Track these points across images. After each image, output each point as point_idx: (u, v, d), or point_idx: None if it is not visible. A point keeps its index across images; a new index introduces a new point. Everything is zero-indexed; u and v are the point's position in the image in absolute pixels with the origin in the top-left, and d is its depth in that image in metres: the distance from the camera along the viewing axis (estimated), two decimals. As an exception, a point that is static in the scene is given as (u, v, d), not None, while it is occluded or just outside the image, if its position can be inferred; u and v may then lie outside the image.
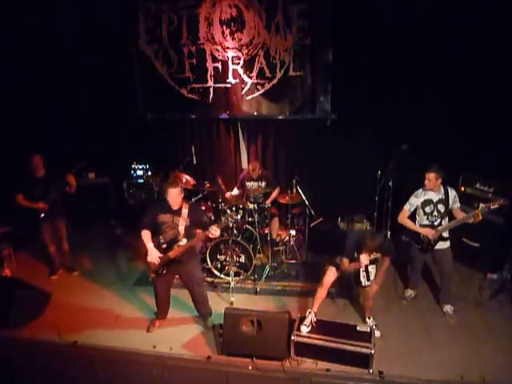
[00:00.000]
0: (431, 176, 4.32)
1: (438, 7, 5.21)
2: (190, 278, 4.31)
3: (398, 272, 5.39)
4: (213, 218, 5.51)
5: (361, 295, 4.66)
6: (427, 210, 4.45)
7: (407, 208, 4.52)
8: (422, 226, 4.49)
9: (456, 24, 5.18)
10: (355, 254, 4.01)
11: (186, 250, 4.09)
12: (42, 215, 5.17)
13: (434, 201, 4.42)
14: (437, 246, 4.47)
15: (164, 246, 4.14)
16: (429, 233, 4.41)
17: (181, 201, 4.09)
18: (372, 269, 4.17)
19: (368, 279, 4.15)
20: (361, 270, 4.12)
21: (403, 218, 4.53)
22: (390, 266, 5.50)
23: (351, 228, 6.09)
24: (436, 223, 4.43)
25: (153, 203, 4.44)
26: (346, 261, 4.08)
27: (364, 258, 3.91)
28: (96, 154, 6.53)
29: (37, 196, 5.12)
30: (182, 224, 4.07)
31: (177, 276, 4.47)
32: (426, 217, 4.47)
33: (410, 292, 4.94)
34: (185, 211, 4.09)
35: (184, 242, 4.05)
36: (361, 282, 4.19)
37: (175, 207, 4.09)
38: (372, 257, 3.98)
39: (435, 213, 4.43)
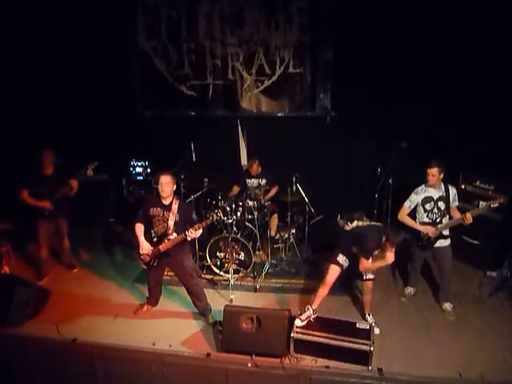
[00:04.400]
0: (434, 171, 4.30)
1: (438, 6, 5.20)
2: (181, 269, 4.40)
3: (397, 270, 5.39)
4: (215, 216, 5.51)
5: (361, 290, 4.67)
6: (427, 207, 4.44)
7: (407, 205, 4.51)
8: (422, 223, 4.47)
9: (456, 22, 5.18)
10: (375, 252, 3.99)
11: (176, 243, 4.19)
12: (47, 214, 5.09)
13: (435, 198, 4.40)
14: (437, 244, 4.46)
15: (155, 239, 4.27)
16: (429, 230, 4.39)
17: (171, 192, 4.22)
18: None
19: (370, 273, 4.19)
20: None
21: (403, 216, 4.52)
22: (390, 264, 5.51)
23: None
24: (436, 220, 4.42)
25: (147, 196, 4.49)
26: (366, 262, 3.98)
27: (391, 256, 3.84)
28: (95, 151, 6.52)
29: (42, 194, 5.02)
30: (171, 219, 4.20)
31: (172, 273, 4.59)
32: (426, 214, 4.46)
33: (409, 289, 4.94)
34: (175, 206, 4.22)
35: (174, 236, 4.17)
36: (362, 276, 4.23)
37: (166, 200, 4.21)
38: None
39: (435, 210, 4.42)
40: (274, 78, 6.29)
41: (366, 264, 4.01)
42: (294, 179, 5.60)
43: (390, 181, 5.70)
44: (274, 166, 6.21)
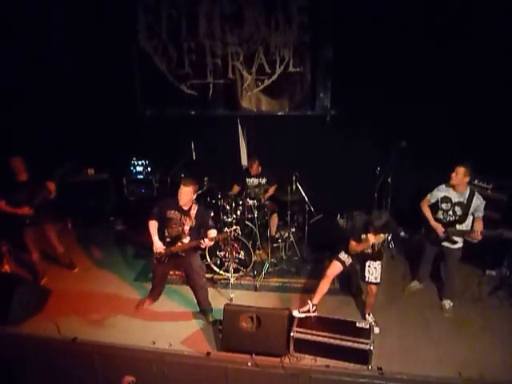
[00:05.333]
0: (460, 170, 4.22)
1: (438, 5, 5.20)
2: (189, 268, 4.43)
3: (398, 268, 5.40)
4: (211, 213, 5.51)
5: (363, 291, 4.68)
6: (444, 206, 4.42)
7: (428, 198, 4.54)
8: (436, 219, 4.48)
9: (456, 22, 5.18)
10: (362, 236, 4.04)
11: (189, 247, 4.23)
12: (28, 221, 4.91)
13: (453, 201, 4.34)
14: (445, 244, 4.47)
15: (168, 239, 4.30)
16: (438, 229, 4.40)
17: (191, 201, 4.22)
18: (378, 265, 4.20)
19: (372, 276, 4.18)
20: (366, 264, 4.18)
21: (423, 205, 4.56)
22: (391, 262, 5.52)
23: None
24: (449, 223, 4.39)
25: (166, 198, 4.49)
26: (353, 243, 4.10)
27: (371, 237, 3.91)
28: (95, 150, 6.53)
29: (20, 201, 4.85)
30: (188, 224, 4.22)
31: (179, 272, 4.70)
32: (441, 212, 4.47)
33: (415, 283, 4.96)
34: (193, 212, 4.24)
35: (187, 239, 4.19)
36: (365, 277, 4.23)
37: (184, 206, 4.21)
38: (380, 238, 4.00)
39: (450, 212, 4.38)
40: (274, 77, 6.29)
41: (353, 245, 4.10)
42: (294, 178, 5.60)
43: (390, 180, 5.71)
44: (273, 165, 6.22)
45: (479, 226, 4.24)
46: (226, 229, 4.23)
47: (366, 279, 4.24)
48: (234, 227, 4.17)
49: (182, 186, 4.13)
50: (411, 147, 5.46)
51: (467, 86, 5.27)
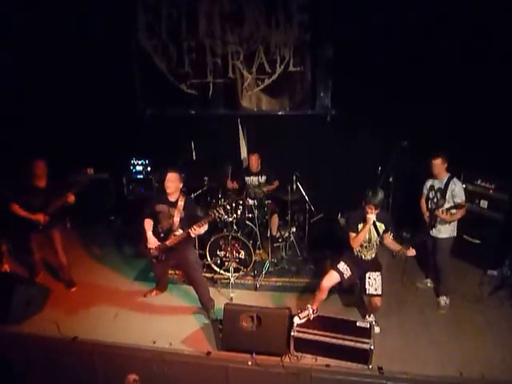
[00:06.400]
0: (437, 162, 4.44)
1: (438, 5, 5.19)
2: (186, 262, 4.48)
3: (398, 268, 5.38)
4: (217, 214, 5.51)
5: (366, 302, 4.63)
6: (430, 195, 4.64)
7: (423, 191, 4.76)
8: (427, 209, 4.67)
9: (457, 21, 5.17)
10: (359, 225, 4.02)
11: (182, 239, 4.28)
12: (41, 227, 4.79)
13: (435, 188, 4.56)
14: (432, 233, 4.58)
15: (162, 234, 4.37)
16: (424, 215, 4.65)
17: (178, 189, 4.31)
18: (377, 276, 4.14)
19: (373, 287, 4.12)
20: (366, 276, 4.13)
21: (420, 200, 4.79)
22: (392, 262, 5.51)
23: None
24: (433, 210, 4.54)
25: (154, 194, 4.54)
26: (353, 235, 4.06)
27: (370, 217, 3.86)
28: (95, 150, 6.52)
29: (35, 206, 4.69)
30: (177, 216, 4.29)
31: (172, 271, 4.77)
32: (429, 202, 4.64)
33: (426, 281, 5.05)
34: (181, 204, 4.30)
35: (180, 232, 4.26)
36: (366, 290, 4.16)
37: (172, 197, 4.29)
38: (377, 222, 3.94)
39: (435, 200, 4.55)
40: (275, 76, 6.29)
41: (353, 237, 4.05)
42: (295, 178, 5.60)
43: (391, 179, 5.69)
44: (274, 165, 6.20)
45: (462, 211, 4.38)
46: (210, 212, 4.30)
47: (367, 291, 4.15)
48: (217, 208, 4.27)
49: (167, 174, 4.23)
50: (412, 147, 5.45)
51: (468, 86, 5.26)
